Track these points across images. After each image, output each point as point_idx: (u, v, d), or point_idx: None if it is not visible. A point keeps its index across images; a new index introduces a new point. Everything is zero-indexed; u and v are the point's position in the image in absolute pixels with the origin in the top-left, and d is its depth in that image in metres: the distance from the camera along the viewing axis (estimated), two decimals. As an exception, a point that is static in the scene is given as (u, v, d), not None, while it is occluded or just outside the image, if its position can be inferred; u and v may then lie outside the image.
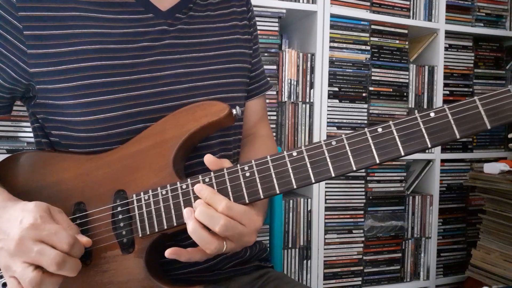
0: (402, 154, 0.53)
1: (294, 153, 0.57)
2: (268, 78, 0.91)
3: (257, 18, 0.90)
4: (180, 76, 0.70)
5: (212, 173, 0.60)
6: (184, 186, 0.60)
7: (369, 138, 0.54)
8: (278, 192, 0.57)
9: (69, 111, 0.65)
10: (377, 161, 0.54)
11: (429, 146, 0.53)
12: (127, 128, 0.66)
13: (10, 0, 0.63)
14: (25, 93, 0.70)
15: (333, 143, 0.56)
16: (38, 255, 0.54)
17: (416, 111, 0.54)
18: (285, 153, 0.57)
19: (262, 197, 0.57)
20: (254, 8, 0.87)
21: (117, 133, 0.66)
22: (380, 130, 0.54)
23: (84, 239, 0.59)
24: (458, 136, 0.52)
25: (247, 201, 0.58)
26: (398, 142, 0.53)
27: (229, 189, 0.58)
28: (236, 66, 0.77)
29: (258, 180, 0.57)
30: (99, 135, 0.65)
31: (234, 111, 0.64)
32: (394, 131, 0.54)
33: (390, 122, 0.54)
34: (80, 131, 0.66)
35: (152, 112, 0.67)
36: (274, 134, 1.51)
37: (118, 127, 0.65)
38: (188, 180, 0.60)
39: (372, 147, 0.54)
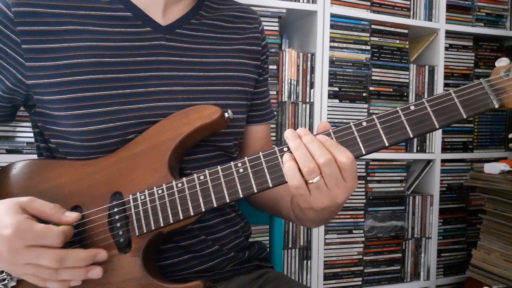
0: (386, 144, 0.57)
1: (285, 149, 0.58)
2: (273, 108, 0.90)
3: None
4: (177, 93, 0.69)
5: (206, 170, 0.61)
6: (179, 185, 0.61)
7: (355, 132, 0.57)
8: (271, 185, 0.58)
9: (63, 121, 0.66)
10: (364, 152, 0.57)
11: (411, 136, 0.56)
12: (119, 139, 0.66)
13: (8, 15, 0.65)
14: (25, 101, 0.71)
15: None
16: (36, 259, 0.54)
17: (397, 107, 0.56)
18: (276, 148, 0.59)
19: (255, 191, 0.59)
20: (254, 8, 0.87)
21: (110, 143, 0.66)
22: (364, 124, 0.57)
23: (73, 215, 0.59)
24: (437, 126, 0.56)
25: (241, 196, 0.59)
26: (382, 134, 0.57)
27: (224, 185, 0.60)
28: (237, 89, 0.76)
29: (251, 175, 0.59)
30: (92, 144, 0.66)
31: (226, 114, 0.66)
32: (378, 124, 0.57)
33: (374, 116, 0.57)
34: (75, 140, 0.67)
35: (144, 124, 0.67)
36: (274, 134, 1.51)
37: (110, 138, 0.66)
38: (184, 179, 0.61)
39: (358, 139, 0.57)
